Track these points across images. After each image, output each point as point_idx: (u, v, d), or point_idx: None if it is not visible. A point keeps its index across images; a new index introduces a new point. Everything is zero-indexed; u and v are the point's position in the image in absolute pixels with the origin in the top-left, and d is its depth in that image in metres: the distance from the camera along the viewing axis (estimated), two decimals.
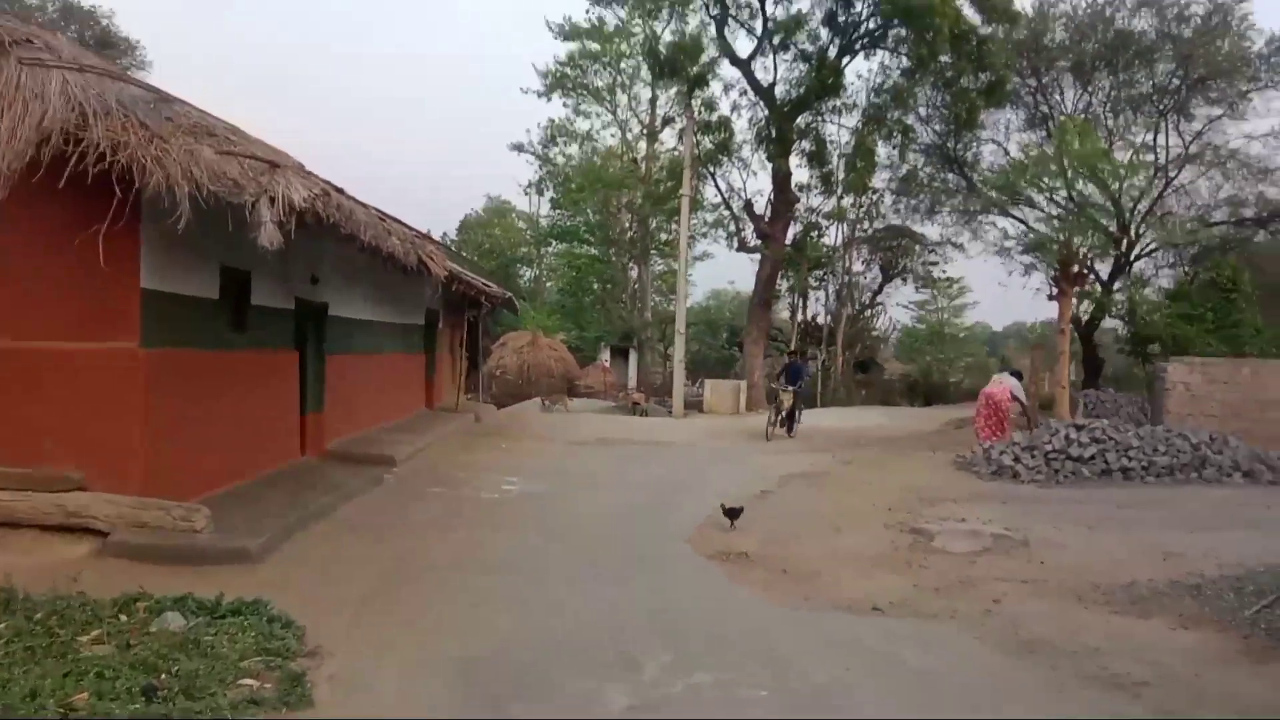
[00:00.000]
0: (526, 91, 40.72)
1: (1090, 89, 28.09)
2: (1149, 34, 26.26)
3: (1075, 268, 18.40)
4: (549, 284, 52.57)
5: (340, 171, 8.94)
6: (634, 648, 5.62)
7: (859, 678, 5.32)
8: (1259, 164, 26.32)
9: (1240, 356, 19.14)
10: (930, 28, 23.84)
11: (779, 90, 27.96)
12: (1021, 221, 27.27)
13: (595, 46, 39.79)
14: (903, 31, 26.18)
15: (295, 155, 8.71)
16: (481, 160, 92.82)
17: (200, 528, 7.31)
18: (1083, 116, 26.27)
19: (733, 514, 9.44)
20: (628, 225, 42.84)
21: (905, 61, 27.27)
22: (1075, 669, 5.47)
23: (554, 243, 47.73)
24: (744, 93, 29.15)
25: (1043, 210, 25.25)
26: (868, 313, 39.44)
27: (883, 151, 30.06)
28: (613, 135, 42.97)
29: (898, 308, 41.74)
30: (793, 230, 30.93)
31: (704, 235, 38.83)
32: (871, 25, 26.89)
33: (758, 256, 29.59)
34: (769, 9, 27.04)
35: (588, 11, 37.91)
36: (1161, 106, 26.88)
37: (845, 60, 27.48)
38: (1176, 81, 26.35)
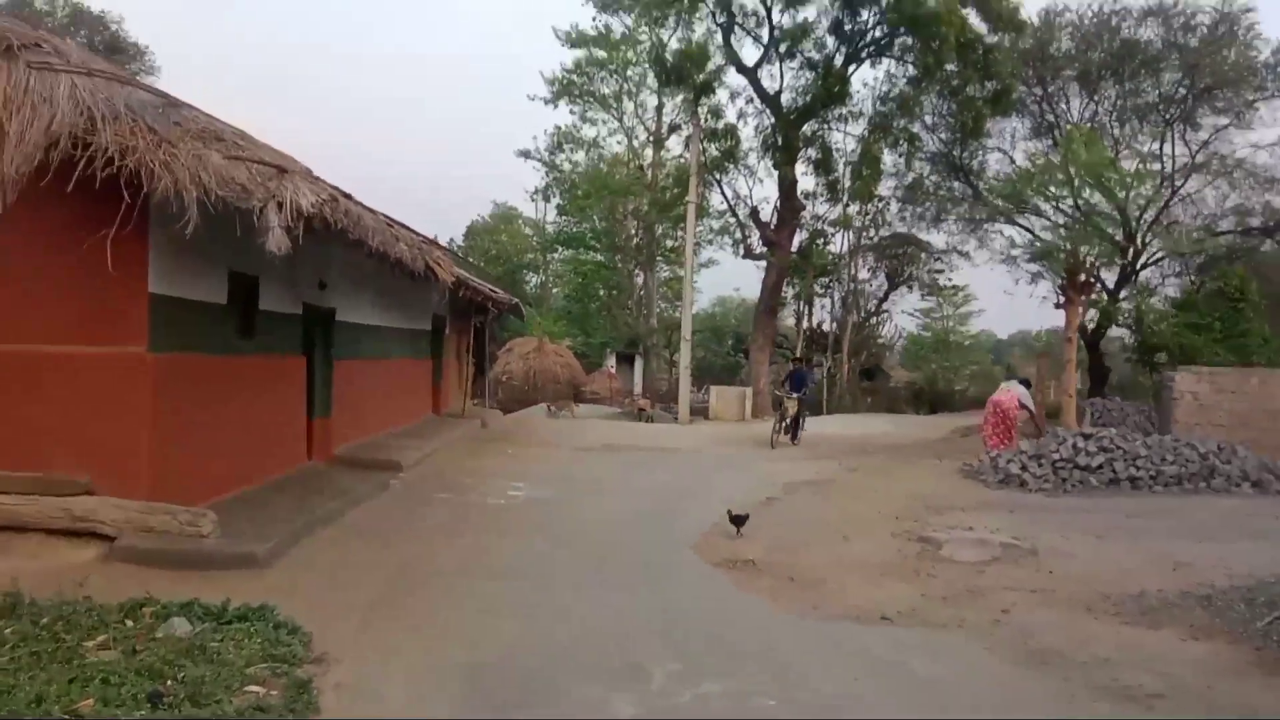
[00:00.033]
0: (533, 99, 40.89)
1: (1096, 98, 28.04)
2: (1155, 43, 26.22)
3: (1082, 276, 18.34)
4: (555, 290, 52.65)
5: (340, 172, 8.97)
6: (641, 656, 5.59)
7: (868, 688, 5.28)
8: (1265, 173, 26.30)
9: (1248, 366, 19.05)
10: (936, 36, 23.85)
11: (785, 98, 28.04)
12: (1028, 230, 27.24)
13: (602, 54, 39.93)
14: (909, 40, 26.24)
15: (295, 156, 8.72)
16: (482, 161, 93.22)
17: (207, 533, 7.30)
18: (1089, 125, 26.25)
19: (738, 521, 9.41)
20: (634, 232, 42.92)
21: (911, 70, 27.31)
22: (1086, 680, 5.42)
23: (560, 249, 47.89)
24: (750, 100, 29.30)
25: (1049, 219, 25.24)
26: (873, 320, 39.39)
27: (889, 159, 30.18)
28: (619, 142, 43.18)
29: (903, 315, 41.73)
30: (799, 238, 30.99)
31: (710, 242, 38.81)
32: (878, 34, 26.96)
33: (764, 264, 29.63)
34: (775, 17, 27.14)
35: (594, 19, 38.11)
36: (1168, 116, 26.84)
37: (851, 68, 27.57)
38: (1183, 91, 26.30)
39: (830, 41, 27.17)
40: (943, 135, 30.24)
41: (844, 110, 29.07)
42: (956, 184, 30.84)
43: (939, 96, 28.25)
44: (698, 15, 28.40)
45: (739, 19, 27.53)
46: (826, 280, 35.87)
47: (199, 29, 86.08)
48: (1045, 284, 27.00)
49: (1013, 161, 29.60)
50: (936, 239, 34.29)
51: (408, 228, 11.34)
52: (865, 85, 36.61)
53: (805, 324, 36.51)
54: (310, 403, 11.61)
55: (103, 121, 6.63)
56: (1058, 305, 18.60)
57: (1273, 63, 25.43)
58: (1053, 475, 13.16)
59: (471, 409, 21.58)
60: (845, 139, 30.85)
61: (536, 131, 66.18)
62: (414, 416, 16.89)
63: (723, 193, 31.12)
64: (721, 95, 29.33)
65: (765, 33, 27.42)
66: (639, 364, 41.93)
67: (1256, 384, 16.92)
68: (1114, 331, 29.43)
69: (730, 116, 29.51)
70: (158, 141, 6.66)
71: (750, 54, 28.31)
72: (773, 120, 28.28)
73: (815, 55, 27.45)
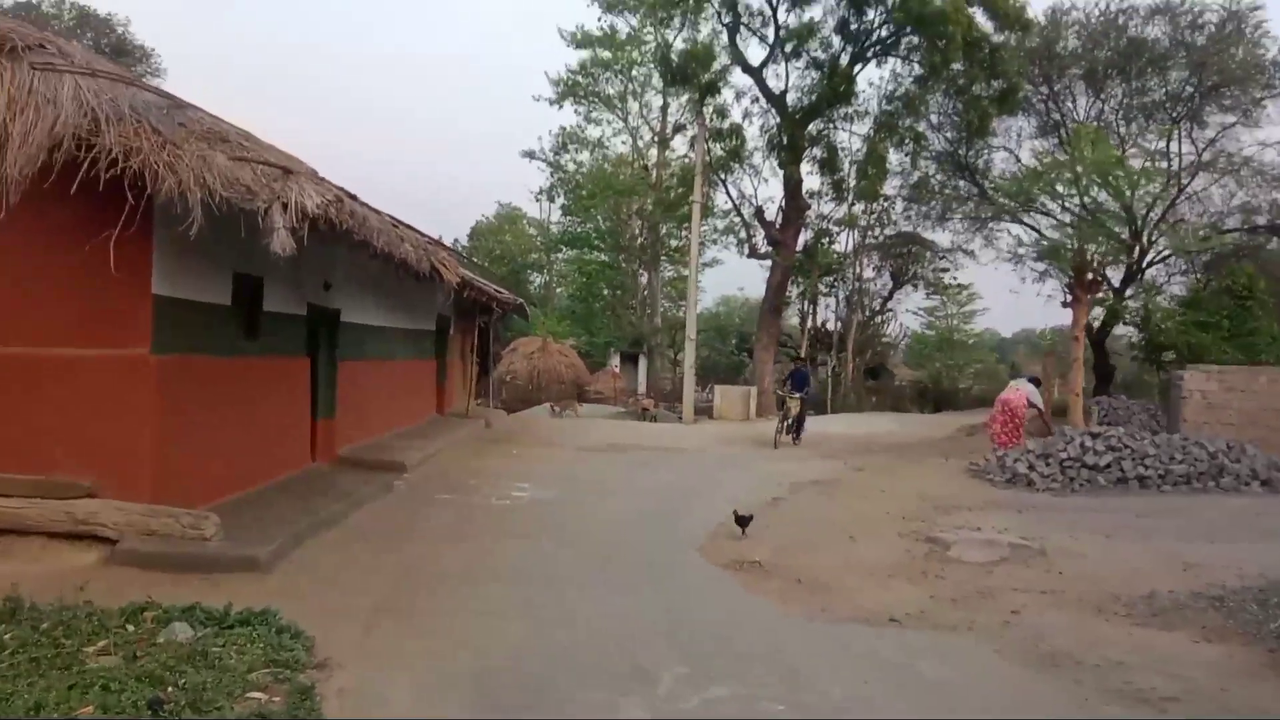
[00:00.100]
0: (538, 99, 40.89)
1: (1103, 96, 27.90)
2: (1162, 41, 26.06)
3: (1090, 275, 18.25)
4: (559, 290, 52.62)
5: (342, 172, 8.92)
6: (648, 660, 5.53)
7: (878, 691, 5.22)
8: (1272, 171, 26.11)
9: (1256, 364, 18.95)
10: (943, 35, 23.75)
11: (791, 98, 27.96)
12: (1034, 229, 27.13)
13: (607, 54, 39.88)
14: (915, 39, 26.13)
15: (298, 156, 8.68)
16: (486, 161, 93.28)
17: (209, 535, 7.26)
18: (1095, 124, 26.11)
19: (743, 522, 9.35)
20: (638, 232, 42.88)
21: (917, 69, 27.18)
22: (1099, 683, 5.36)
23: (565, 249, 47.83)
24: (756, 100, 29.16)
25: (1055, 218, 25.13)
26: (878, 319, 39.30)
27: (894, 159, 30.02)
28: (624, 142, 43.16)
29: (907, 314, 41.63)
30: (804, 237, 30.88)
31: (714, 242, 38.81)
32: (884, 33, 26.85)
33: (768, 263, 29.54)
34: (781, 17, 27.04)
35: (600, 19, 38.08)
36: (1175, 114, 26.70)
37: (857, 68, 27.41)
38: (1190, 89, 26.16)
39: (836, 41, 27.07)
40: (948, 134, 30.15)
41: (849, 109, 28.93)
42: (962, 183, 30.74)
43: (945, 95, 28.13)
44: (703, 15, 28.35)
45: (744, 19, 27.46)
46: (831, 279, 35.79)
47: (199, 29, 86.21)
48: (1052, 282, 26.96)
49: (1018, 160, 29.50)
50: (941, 238, 34.26)
51: (412, 228, 11.30)
52: (871, 85, 36.85)
53: (810, 323, 36.43)
54: (314, 404, 11.58)
55: (107, 123, 6.59)
56: (1065, 304, 18.52)
57: None
58: (1060, 474, 13.09)
59: (475, 409, 21.56)
60: (851, 138, 30.79)
61: (541, 132, 66.19)
62: (418, 417, 16.86)
63: (727, 192, 31.05)
64: (727, 95, 29.30)
65: (771, 32, 27.35)
66: (643, 363, 41.87)
67: (1265, 382, 16.82)
68: (1119, 330, 29.33)
69: (735, 116, 29.46)
70: (162, 143, 6.62)
71: (756, 54, 28.28)
72: (778, 120, 28.17)
73: (821, 55, 27.34)
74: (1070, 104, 28.68)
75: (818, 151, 29.05)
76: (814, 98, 27.53)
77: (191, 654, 4.96)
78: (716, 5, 27.41)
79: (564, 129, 42.60)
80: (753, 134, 29.62)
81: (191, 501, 7.71)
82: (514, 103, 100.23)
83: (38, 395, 7.50)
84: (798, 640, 6.16)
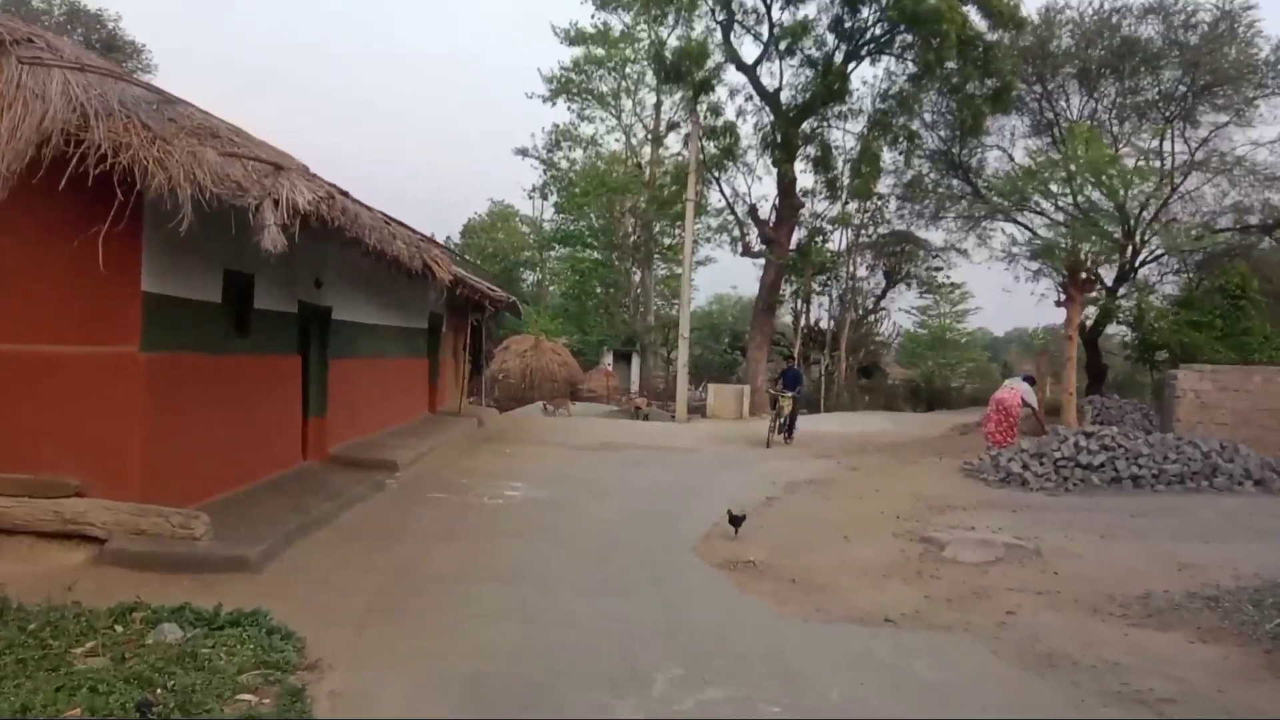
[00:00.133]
0: (531, 96, 40.81)
1: (1096, 95, 27.90)
2: (1155, 41, 26.07)
3: (1083, 274, 18.24)
4: (552, 288, 52.52)
5: (338, 171, 8.84)
6: (643, 661, 5.49)
7: (874, 693, 5.19)
8: (1265, 171, 26.13)
9: (1249, 364, 18.98)
10: (937, 34, 23.71)
11: (784, 96, 27.91)
12: (1027, 228, 27.15)
13: (600, 52, 39.81)
14: (909, 37, 26.11)
15: (294, 155, 8.60)
16: (479, 159, 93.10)
17: (199, 535, 7.19)
18: (1089, 123, 26.13)
19: (736, 522, 9.30)
20: (631, 230, 42.79)
21: (911, 67, 27.17)
22: (1096, 684, 5.34)
23: (557, 247, 47.71)
24: (749, 98, 29.14)
25: (1048, 217, 25.13)
26: (871, 318, 39.29)
27: (888, 157, 30.00)
28: (617, 140, 43.07)
29: (900, 313, 41.61)
30: (797, 235, 30.87)
31: (708, 240, 38.71)
32: (878, 31, 26.82)
33: (762, 261, 29.49)
34: (775, 15, 27.00)
35: (593, 17, 38.00)
36: (1167, 113, 26.72)
37: (851, 66, 27.39)
38: (1183, 88, 26.18)
39: (830, 39, 27.04)
40: (942, 133, 30.13)
41: (843, 108, 28.93)
42: (955, 182, 30.73)
43: (939, 94, 28.11)
44: (697, 13, 28.28)
45: (738, 16, 27.41)
46: (824, 278, 35.77)
47: (199, 29, 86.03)
48: (1045, 281, 26.94)
49: (1011, 159, 29.50)
50: (934, 237, 34.26)
51: (405, 225, 11.23)
52: (864, 83, 36.75)
53: (803, 322, 36.41)
54: (305, 402, 11.51)
55: (96, 118, 6.52)
56: (1059, 303, 18.51)
57: (1273, 60, 25.24)
58: (1054, 474, 13.08)
59: (468, 407, 21.47)
60: (844, 136, 30.80)
61: (535, 129, 66.18)
62: (410, 415, 16.79)
63: (721, 190, 31.02)
64: (721, 93, 29.21)
65: (765, 30, 27.32)
66: (636, 362, 41.82)
67: (1259, 382, 16.84)
68: (1111, 329, 29.35)
69: (729, 114, 29.41)
70: (152, 138, 6.54)
71: (750, 51, 28.26)
72: (772, 118, 28.14)
73: (815, 53, 27.32)
74: (1064, 103, 28.68)
75: (811, 150, 29.06)
76: (808, 96, 27.50)
77: (181, 655, 4.90)
78: (710, 2, 27.37)
79: (557, 126, 42.59)
80: (746, 132, 29.70)
81: (181, 501, 7.64)
82: (514, 102, 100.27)
83: (26, 393, 7.42)
84: (793, 641, 6.12)
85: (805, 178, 30.28)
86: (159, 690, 4.44)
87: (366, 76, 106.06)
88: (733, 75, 28.92)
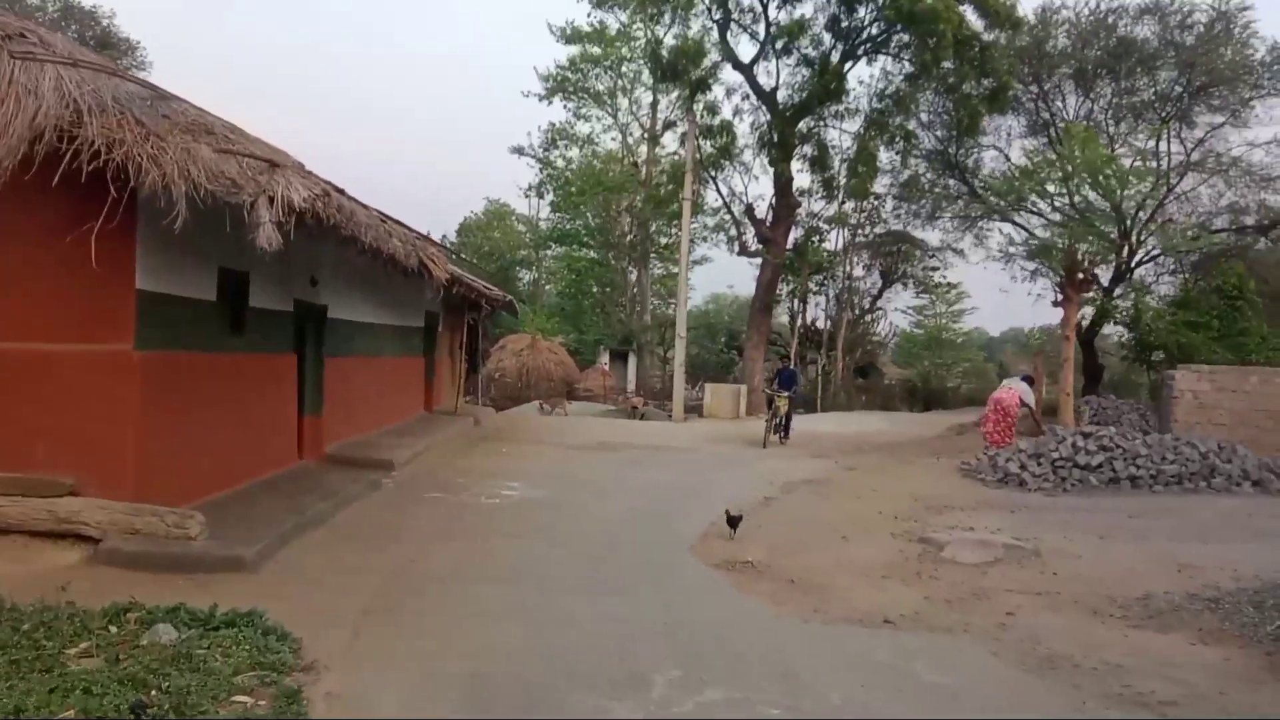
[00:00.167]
0: (528, 95, 40.72)
1: (1092, 95, 27.89)
2: (1151, 41, 26.07)
3: (1081, 274, 18.23)
4: (548, 287, 52.47)
5: (339, 172, 8.80)
6: (642, 663, 5.44)
7: (874, 695, 5.15)
8: (1261, 171, 26.15)
9: (1246, 365, 18.98)
10: (933, 33, 23.68)
11: (781, 95, 27.88)
12: (1023, 228, 27.14)
13: (597, 50, 39.74)
14: (906, 37, 26.08)
15: (294, 155, 8.55)
16: (476, 158, 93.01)
17: (194, 534, 7.13)
18: (1085, 123, 26.13)
19: (734, 523, 9.25)
20: (627, 229, 42.74)
21: (908, 67, 27.15)
22: (1098, 687, 5.30)
23: (554, 246, 47.62)
24: (746, 97, 29.13)
25: (1045, 217, 25.12)
26: (868, 317, 39.29)
27: (884, 157, 30.01)
28: (613, 139, 43.00)
29: (897, 313, 41.64)
30: (794, 235, 30.86)
31: (704, 239, 38.69)
32: (874, 30, 26.80)
33: (758, 261, 29.46)
34: (772, 14, 26.97)
35: (589, 15, 37.94)
36: (1163, 114, 26.73)
37: (848, 65, 27.36)
38: (1179, 89, 26.18)
39: (827, 38, 27.01)
40: (939, 132, 30.09)
41: (840, 107, 28.89)
42: (952, 181, 30.71)
43: (935, 94, 28.08)
44: (694, 11, 28.20)
45: (735, 15, 27.37)
46: (821, 277, 35.74)
47: (199, 28, 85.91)
48: (1042, 281, 26.92)
49: (1008, 159, 29.50)
50: (931, 236, 34.27)
51: (401, 224, 11.18)
52: (861, 83, 36.70)
53: (800, 321, 36.39)
54: (301, 401, 11.44)
55: (89, 114, 6.47)
56: (1056, 303, 18.48)
57: (1269, 61, 25.27)
58: (1052, 474, 13.07)
59: (464, 406, 21.43)
60: (841, 136, 30.74)
61: (532, 128, 66.11)
62: (406, 414, 16.74)
63: (718, 189, 30.96)
64: (717, 92, 29.20)
65: (762, 29, 27.29)
66: (632, 361, 41.80)
67: (1257, 383, 16.84)
68: (1107, 329, 29.36)
69: (726, 113, 29.35)
70: (146, 134, 6.49)
71: (746, 50, 28.18)
72: (769, 117, 28.10)
73: (812, 52, 27.29)
74: (1060, 103, 28.68)
75: (808, 149, 29.03)
76: (804, 95, 27.47)
77: (175, 656, 4.84)
78: (707, 1, 27.31)
79: (553, 125, 42.50)
80: (743, 131, 29.64)
81: (176, 500, 7.58)
82: (512, 102, 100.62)
83: (18, 391, 7.36)
84: (792, 642, 6.08)
85: (802, 177, 30.34)
86: (153, 692, 4.39)
87: (366, 76, 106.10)
88: (729, 74, 28.97)
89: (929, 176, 31.31)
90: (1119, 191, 21.24)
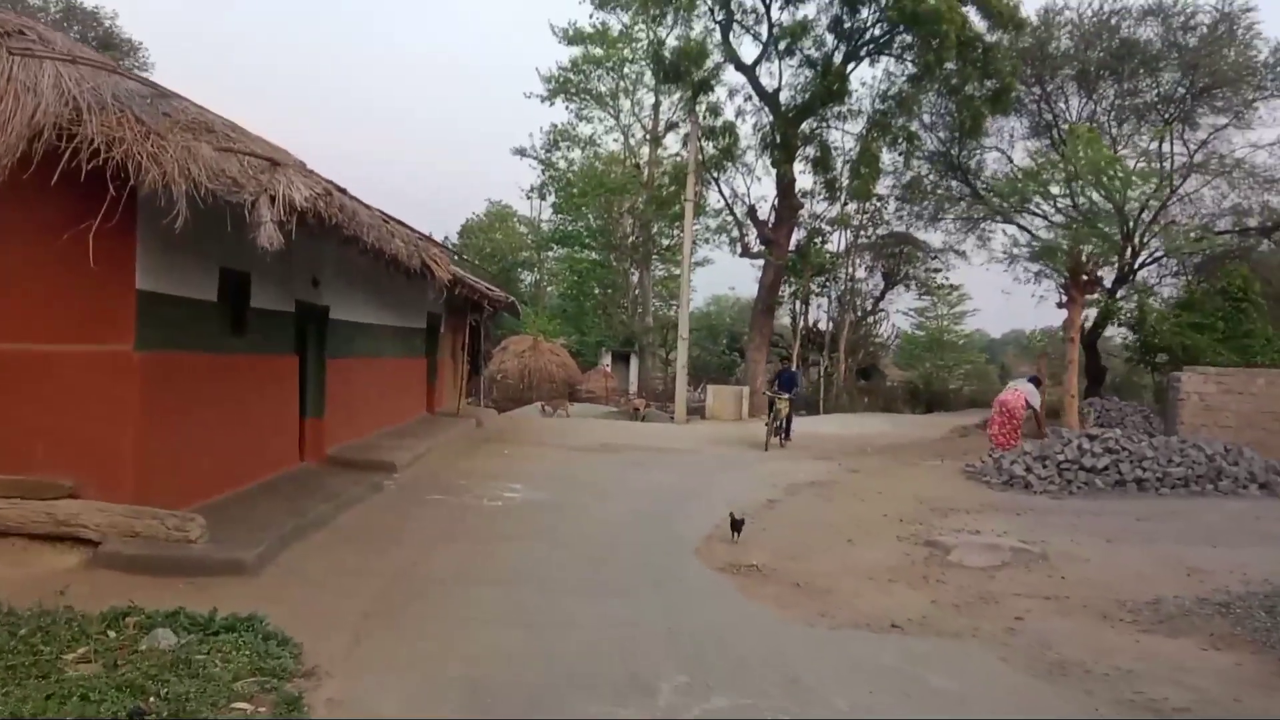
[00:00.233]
0: (530, 96, 40.71)
1: (1095, 97, 27.81)
2: (1154, 43, 25.99)
3: (1085, 276, 18.15)
4: (550, 289, 52.42)
5: (339, 172, 8.75)
6: (646, 669, 5.36)
7: (883, 701, 5.07)
8: (1264, 173, 26.11)
9: (1252, 366, 18.89)
10: (936, 34, 23.59)
11: (784, 96, 27.80)
12: (1026, 229, 27.09)
13: (599, 52, 39.71)
14: (908, 38, 25.99)
15: (295, 155, 8.49)
16: (478, 159, 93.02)
17: (195, 537, 7.06)
18: (1088, 124, 26.06)
19: (737, 526, 9.16)
20: (629, 230, 42.69)
21: (910, 68, 27.05)
22: (1109, 693, 5.22)
23: (555, 247, 47.59)
24: (749, 98, 29.04)
25: (1047, 219, 25.05)
26: (870, 319, 39.20)
27: (887, 158, 29.90)
28: (615, 140, 42.96)
29: (898, 314, 41.55)
30: (796, 236, 30.76)
31: (707, 241, 38.64)
32: (877, 32, 26.72)
33: (761, 262, 29.38)
34: (774, 15, 26.89)
35: (591, 16, 37.90)
36: (1166, 115, 26.65)
37: (851, 66, 27.28)
38: (1182, 90, 26.11)
39: (829, 39, 26.92)
40: (941, 134, 30.03)
41: (843, 108, 28.82)
42: (954, 183, 30.65)
43: (938, 95, 28.00)
44: (696, 13, 28.14)
45: (738, 16, 27.30)
46: (823, 279, 35.66)
47: (199, 28, 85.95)
48: (1045, 283, 26.89)
49: (1010, 161, 29.45)
50: (933, 238, 34.21)
51: (403, 224, 11.11)
52: (864, 84, 36.62)
53: (802, 323, 36.30)
54: (303, 402, 11.38)
55: (89, 111, 6.41)
56: (1060, 304, 18.41)
57: (1272, 62, 25.19)
58: (1058, 477, 12.98)
59: (466, 408, 21.36)
60: (844, 137, 30.66)
61: (533, 129, 66.06)
62: (408, 416, 16.67)
63: (720, 191, 30.91)
64: (720, 93, 29.11)
65: (764, 30, 27.21)
66: (634, 363, 41.74)
67: (1263, 385, 16.76)
68: (1109, 331, 29.28)
69: (728, 114, 29.29)
70: (146, 133, 6.43)
71: (749, 51, 28.14)
72: (771, 118, 28.03)
73: (814, 53, 27.21)
74: (1063, 104, 28.60)
75: (811, 150, 28.95)
76: (807, 96, 27.39)
77: (174, 662, 4.77)
78: (709, 2, 27.24)
79: (555, 126, 42.48)
80: (746, 132, 29.59)
81: (176, 502, 7.52)
82: (513, 102, 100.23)
83: (17, 392, 7.29)
84: (798, 647, 6.01)
85: (804, 178, 30.26)
86: (152, 698, 4.32)
87: (366, 76, 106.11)
88: (732, 75, 28.88)
89: (931, 178, 31.26)
90: (1123, 192, 21.16)
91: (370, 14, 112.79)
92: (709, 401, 27.30)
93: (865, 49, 27.25)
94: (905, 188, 31.50)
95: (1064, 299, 18.26)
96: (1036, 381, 16.37)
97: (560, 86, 40.35)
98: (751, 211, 30.07)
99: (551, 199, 43.97)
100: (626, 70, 40.30)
